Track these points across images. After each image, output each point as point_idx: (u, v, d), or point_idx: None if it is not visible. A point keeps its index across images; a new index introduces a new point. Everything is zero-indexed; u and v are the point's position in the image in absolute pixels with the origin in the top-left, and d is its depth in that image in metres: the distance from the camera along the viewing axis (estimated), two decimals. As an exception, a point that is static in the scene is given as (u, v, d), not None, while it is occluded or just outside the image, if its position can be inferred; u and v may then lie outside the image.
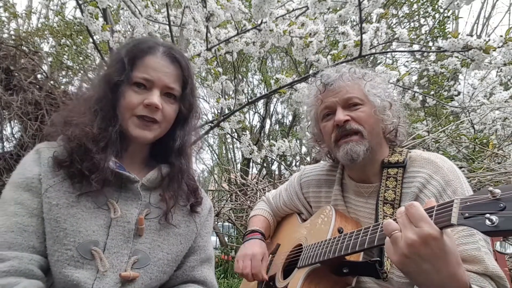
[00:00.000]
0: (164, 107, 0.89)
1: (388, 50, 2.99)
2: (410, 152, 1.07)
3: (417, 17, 7.98)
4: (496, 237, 0.58)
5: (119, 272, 0.79)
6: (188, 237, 0.94)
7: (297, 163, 8.03)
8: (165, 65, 0.90)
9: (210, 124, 3.02)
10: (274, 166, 8.62)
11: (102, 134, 0.84)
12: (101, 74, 0.96)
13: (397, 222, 0.68)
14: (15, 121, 3.08)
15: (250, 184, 4.66)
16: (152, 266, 0.84)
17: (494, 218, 0.56)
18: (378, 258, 0.91)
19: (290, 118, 9.72)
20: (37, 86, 3.15)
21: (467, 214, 0.60)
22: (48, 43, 5.26)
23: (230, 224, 5.41)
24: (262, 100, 8.38)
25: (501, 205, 0.56)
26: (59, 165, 0.82)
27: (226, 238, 5.70)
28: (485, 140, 3.44)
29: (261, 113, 9.63)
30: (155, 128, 0.90)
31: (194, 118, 0.99)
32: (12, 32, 4.02)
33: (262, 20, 2.23)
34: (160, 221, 0.89)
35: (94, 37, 2.44)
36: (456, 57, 3.59)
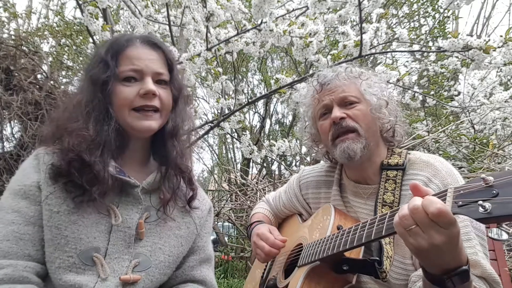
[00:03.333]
0: (161, 93, 0.89)
1: (388, 50, 2.99)
2: (409, 154, 1.07)
3: (417, 17, 7.99)
4: (489, 223, 0.58)
5: (120, 276, 0.79)
6: (188, 239, 0.94)
7: (297, 163, 8.03)
8: (147, 53, 0.89)
9: (210, 124, 3.02)
10: (274, 166, 8.62)
11: (99, 136, 0.82)
12: (85, 77, 0.92)
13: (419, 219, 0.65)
14: (15, 121, 3.08)
15: (250, 184, 4.67)
16: (154, 269, 0.85)
17: (487, 205, 0.56)
18: (377, 258, 0.92)
19: (290, 118, 9.73)
20: (37, 86, 3.14)
21: (460, 202, 0.61)
22: (48, 43, 5.26)
23: (230, 224, 5.40)
24: (262, 100, 8.38)
25: (494, 191, 0.56)
26: (58, 175, 0.80)
27: (226, 238, 5.70)
28: (485, 140, 3.44)
29: (261, 113, 9.62)
30: (157, 117, 0.88)
31: (183, 101, 0.98)
32: (12, 32, 4.02)
33: (262, 20, 2.22)
34: (159, 217, 0.89)
35: (94, 37, 2.44)
36: (456, 57, 3.59)
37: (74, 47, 5.60)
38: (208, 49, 2.39)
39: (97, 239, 0.79)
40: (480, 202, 0.57)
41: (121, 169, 0.86)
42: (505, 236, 0.57)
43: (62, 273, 0.76)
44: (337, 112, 1.04)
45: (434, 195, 0.67)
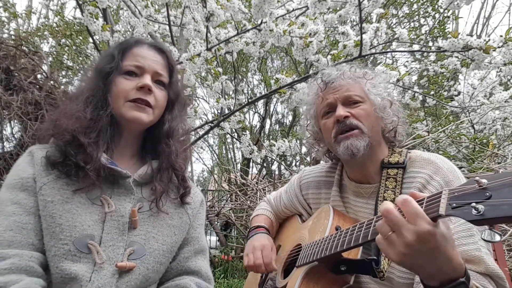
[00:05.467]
0: (156, 92, 0.94)
1: (388, 50, 2.99)
2: (409, 152, 1.07)
3: (417, 17, 7.98)
4: (482, 225, 0.58)
5: (116, 263, 0.81)
6: (181, 229, 0.96)
7: (297, 163, 8.03)
8: (152, 55, 0.97)
9: (210, 124, 3.01)
10: (274, 166, 8.61)
11: (94, 121, 0.87)
12: (92, 68, 1.00)
13: (390, 219, 0.67)
14: (15, 121, 3.09)
15: (250, 184, 4.67)
16: (148, 256, 0.86)
17: (480, 207, 0.56)
18: (375, 257, 0.92)
19: (290, 118, 9.72)
20: (37, 86, 3.15)
21: (454, 204, 0.61)
22: (48, 43, 5.26)
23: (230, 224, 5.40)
24: (262, 100, 8.37)
25: (487, 194, 0.57)
26: (52, 164, 0.84)
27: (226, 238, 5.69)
28: (485, 140, 3.44)
29: (261, 113, 9.62)
30: (149, 112, 0.93)
31: (180, 105, 1.04)
32: (12, 32, 4.02)
33: (262, 20, 2.22)
34: (151, 209, 0.91)
35: (94, 37, 2.44)
36: (456, 57, 3.59)
37: (74, 47, 5.59)
38: (208, 49, 2.39)
39: (91, 227, 0.81)
40: (473, 204, 0.57)
41: (112, 161, 0.89)
42: (497, 238, 0.57)
43: (58, 261, 0.77)
44: (341, 111, 1.04)
45: (429, 197, 0.67)
